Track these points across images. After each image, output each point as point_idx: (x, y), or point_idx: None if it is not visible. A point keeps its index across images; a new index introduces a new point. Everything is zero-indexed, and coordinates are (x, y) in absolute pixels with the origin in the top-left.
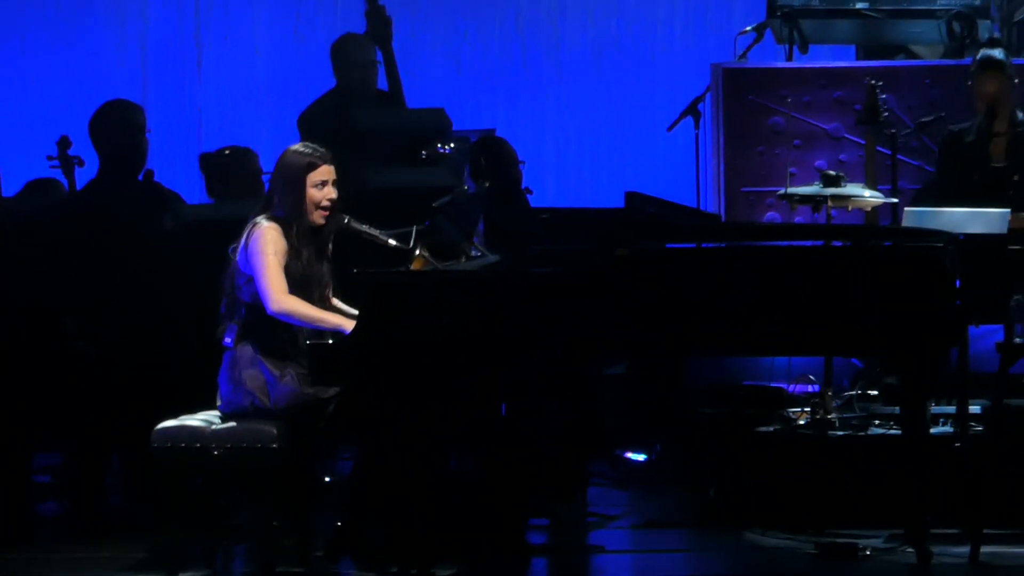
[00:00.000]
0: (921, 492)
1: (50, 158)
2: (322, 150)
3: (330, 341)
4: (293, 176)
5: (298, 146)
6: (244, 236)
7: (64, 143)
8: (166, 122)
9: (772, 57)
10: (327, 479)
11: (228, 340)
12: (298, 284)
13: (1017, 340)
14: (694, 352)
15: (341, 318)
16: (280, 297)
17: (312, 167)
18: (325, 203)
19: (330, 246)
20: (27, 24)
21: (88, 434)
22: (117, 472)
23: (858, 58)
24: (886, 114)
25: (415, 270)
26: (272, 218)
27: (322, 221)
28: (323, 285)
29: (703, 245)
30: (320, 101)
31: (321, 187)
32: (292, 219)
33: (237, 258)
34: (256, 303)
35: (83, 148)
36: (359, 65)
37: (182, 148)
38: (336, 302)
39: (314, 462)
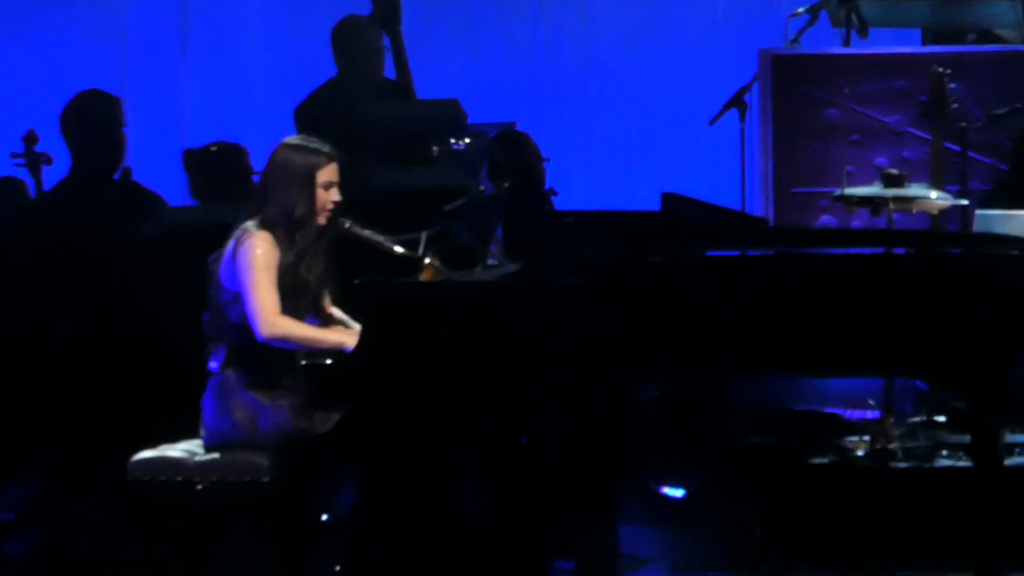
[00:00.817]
0: (994, 530)
1: (14, 155)
2: (327, 146)
3: (328, 361)
4: (299, 174)
5: (298, 139)
6: (230, 246)
7: (31, 138)
8: (146, 115)
9: (827, 42)
10: (324, 517)
11: (214, 364)
12: (291, 296)
13: None
14: (738, 372)
15: (341, 334)
16: (272, 320)
17: (320, 165)
18: (330, 206)
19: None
20: None
21: (57, 466)
22: (89, 508)
23: (924, 43)
24: (955, 106)
25: (425, 280)
26: (264, 224)
27: (324, 222)
28: (319, 295)
29: (748, 253)
30: (320, 92)
31: (328, 188)
32: (296, 223)
33: (221, 272)
34: (244, 323)
35: (52, 144)
36: (364, 52)
37: (164, 144)
38: (335, 311)
39: (310, 498)
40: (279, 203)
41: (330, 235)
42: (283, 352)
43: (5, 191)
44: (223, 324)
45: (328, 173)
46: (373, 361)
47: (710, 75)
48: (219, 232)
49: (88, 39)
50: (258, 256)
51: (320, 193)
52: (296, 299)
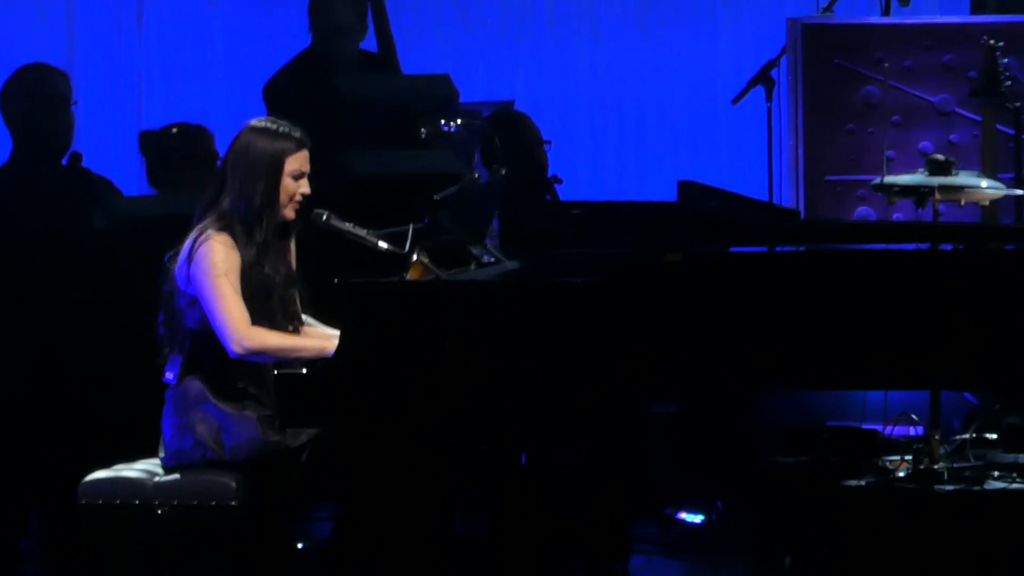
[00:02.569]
0: None
1: None
2: (298, 129)
3: (304, 371)
4: (266, 161)
5: (264, 122)
6: (188, 247)
7: None
8: (97, 92)
9: (864, 11)
10: (300, 545)
11: (170, 375)
12: (255, 300)
13: None
14: (765, 385)
15: (323, 339)
16: (245, 333)
17: (288, 151)
18: (298, 198)
19: (294, 247)
20: None
21: None
22: (35, 535)
23: (973, 12)
24: (1009, 83)
25: (412, 280)
26: (223, 221)
27: (292, 216)
28: (288, 297)
29: (777, 249)
30: (291, 66)
31: (297, 178)
32: (260, 216)
33: (177, 273)
34: (204, 330)
35: None
36: (340, 21)
37: (117, 125)
38: (308, 319)
39: (283, 523)
40: (239, 193)
41: (297, 229)
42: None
43: None
44: (179, 328)
45: (298, 161)
46: (353, 371)
47: (733, 48)
48: (179, 224)
49: (30, 6)
50: (216, 264)
51: (288, 183)
52: (261, 303)
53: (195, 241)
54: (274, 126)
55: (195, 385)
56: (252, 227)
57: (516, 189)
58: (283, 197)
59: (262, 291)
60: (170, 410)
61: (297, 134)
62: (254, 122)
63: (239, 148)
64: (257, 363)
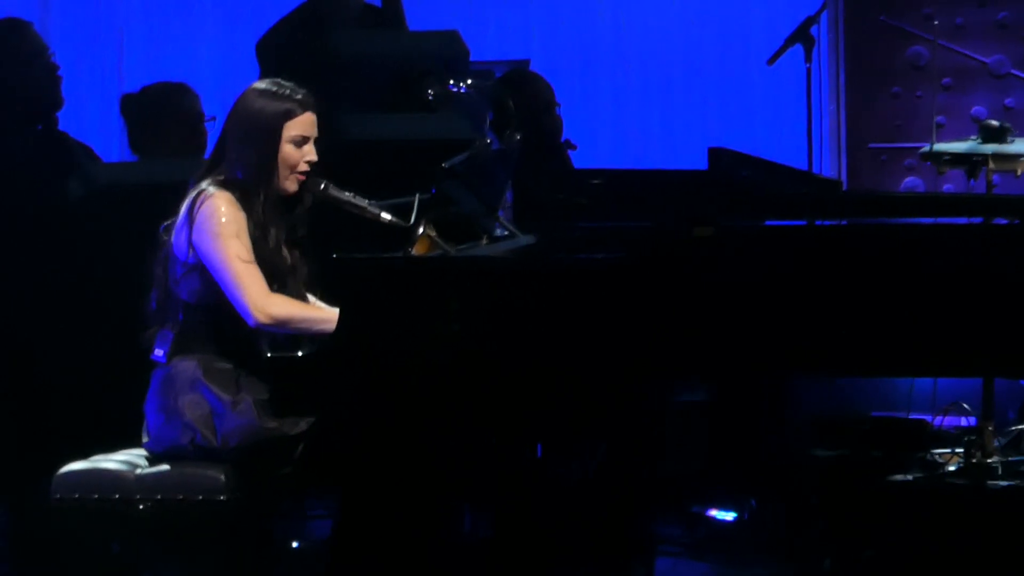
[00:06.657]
0: None
1: None
2: (303, 91)
3: (299, 353)
4: (262, 125)
5: (266, 83)
6: (186, 209)
7: None
8: (75, 49)
9: None
10: (295, 544)
11: (159, 353)
12: (265, 276)
13: None
14: (803, 371)
15: None
16: (266, 300)
17: (290, 114)
18: (303, 167)
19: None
20: None
21: None
22: (4, 533)
23: None
24: None
25: (418, 255)
26: (223, 184)
27: (294, 188)
28: (297, 277)
29: (816, 223)
30: (286, 21)
31: (300, 144)
32: (256, 185)
33: (175, 239)
34: (201, 303)
35: None
36: None
37: (96, 85)
38: (313, 300)
39: (277, 521)
40: (235, 161)
41: (307, 207)
42: (244, 336)
43: None
44: (173, 302)
45: (301, 125)
46: (352, 354)
47: (768, 2)
48: (162, 192)
49: None
50: (224, 224)
51: (288, 150)
52: (272, 282)
53: (194, 201)
54: (276, 87)
55: (187, 365)
56: (252, 198)
57: (530, 156)
58: (282, 167)
59: (271, 273)
60: (157, 391)
61: (300, 95)
62: (257, 83)
63: (237, 110)
64: (253, 341)
